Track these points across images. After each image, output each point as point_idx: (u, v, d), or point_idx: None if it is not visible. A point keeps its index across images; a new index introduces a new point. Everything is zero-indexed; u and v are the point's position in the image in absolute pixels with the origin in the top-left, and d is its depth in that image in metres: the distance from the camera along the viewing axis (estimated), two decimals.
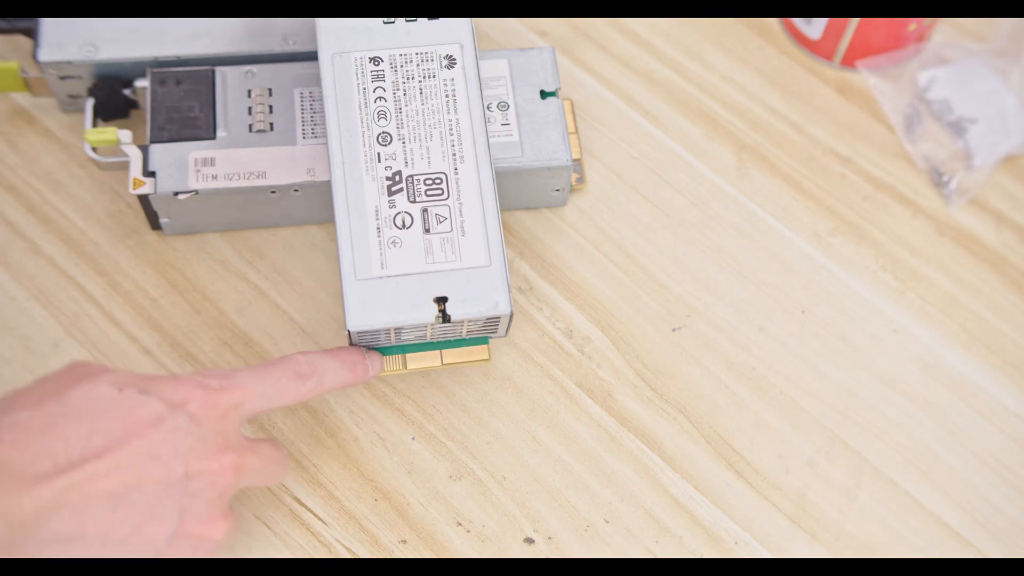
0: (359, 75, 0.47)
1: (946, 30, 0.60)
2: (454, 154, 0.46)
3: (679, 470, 0.48)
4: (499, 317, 0.45)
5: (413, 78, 0.47)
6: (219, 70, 0.50)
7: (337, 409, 0.49)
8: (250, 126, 0.49)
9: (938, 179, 0.55)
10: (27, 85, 0.52)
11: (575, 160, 0.53)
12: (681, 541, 0.47)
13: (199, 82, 0.50)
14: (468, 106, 0.47)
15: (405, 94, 0.47)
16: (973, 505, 0.48)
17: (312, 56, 0.51)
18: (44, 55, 0.50)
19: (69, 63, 0.50)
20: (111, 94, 0.52)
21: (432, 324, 0.44)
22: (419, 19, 0.48)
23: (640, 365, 0.50)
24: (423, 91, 0.47)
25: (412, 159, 0.46)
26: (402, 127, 0.46)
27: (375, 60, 0.47)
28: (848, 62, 0.58)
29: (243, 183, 0.48)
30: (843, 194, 0.55)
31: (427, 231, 0.45)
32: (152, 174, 0.48)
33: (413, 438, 0.48)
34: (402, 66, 0.47)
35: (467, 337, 0.47)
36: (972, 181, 0.55)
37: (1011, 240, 0.54)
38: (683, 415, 0.49)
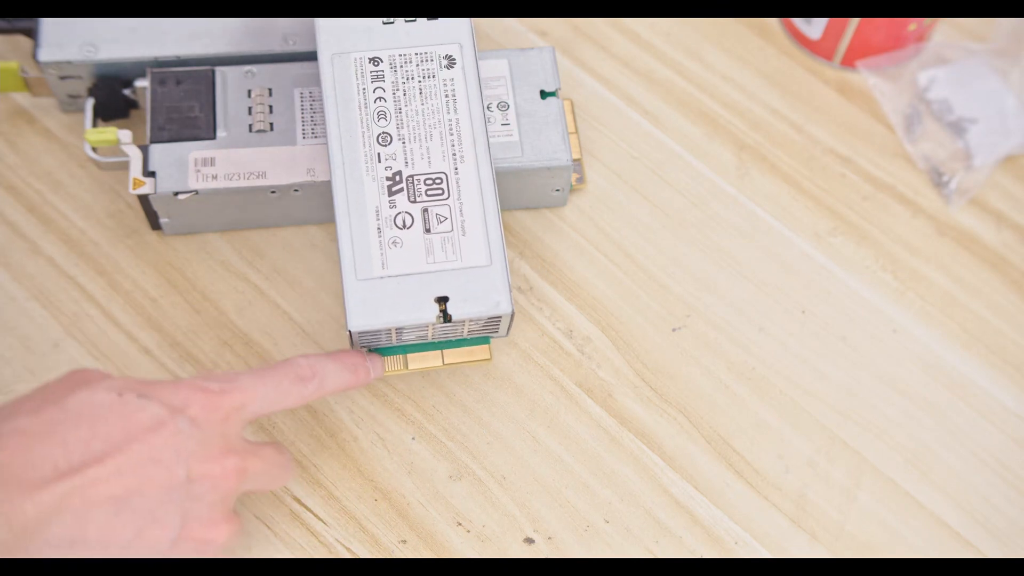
0: (359, 75, 0.47)
1: (946, 30, 0.60)
2: (454, 154, 0.46)
3: (679, 470, 0.48)
4: (500, 316, 0.45)
5: (413, 78, 0.47)
6: (219, 70, 0.50)
7: (337, 409, 0.49)
8: (250, 126, 0.49)
9: (938, 179, 0.55)
10: (27, 85, 0.52)
11: (575, 160, 0.53)
12: (681, 541, 0.47)
13: (199, 82, 0.50)
14: (468, 106, 0.47)
15: (405, 94, 0.47)
16: (973, 505, 0.48)
17: (312, 56, 0.51)
18: (44, 55, 0.50)
19: (69, 63, 0.50)
20: (111, 94, 0.52)
21: (433, 324, 0.44)
22: (418, 19, 0.48)
23: (640, 365, 0.50)
24: (423, 91, 0.47)
25: (412, 159, 0.46)
26: (402, 127, 0.46)
27: (375, 60, 0.47)
28: (848, 62, 0.58)
29: (243, 183, 0.48)
30: (843, 194, 0.55)
31: (428, 231, 0.45)
32: (152, 174, 0.48)
33: (413, 438, 0.48)
34: (402, 66, 0.47)
35: (468, 337, 0.47)
36: (972, 181, 0.55)
37: (1011, 240, 0.54)
38: (683, 415, 0.49)
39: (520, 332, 0.51)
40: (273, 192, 0.49)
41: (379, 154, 0.46)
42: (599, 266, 0.52)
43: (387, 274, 0.44)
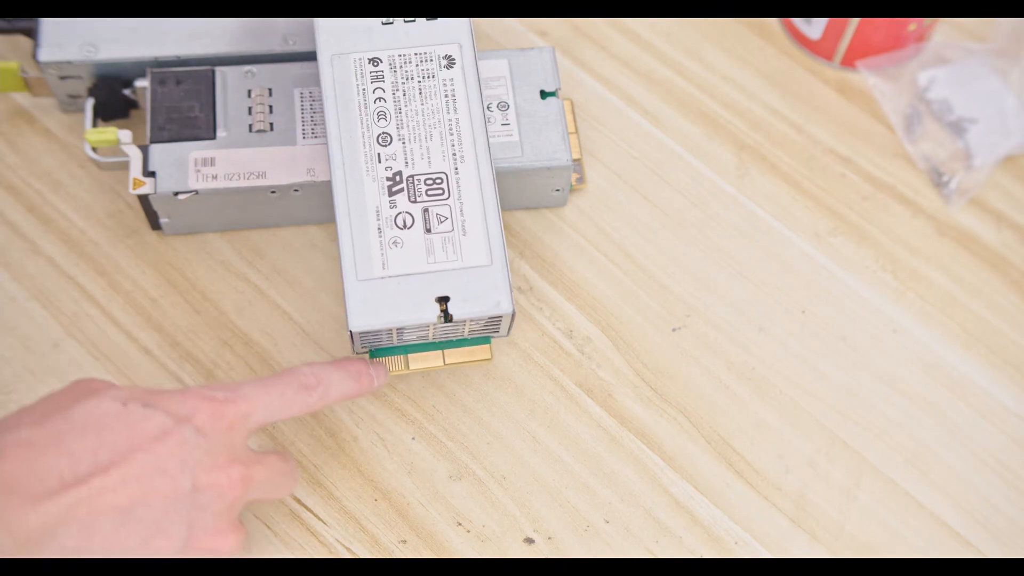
0: (358, 76, 0.47)
1: (946, 30, 0.60)
2: (454, 154, 0.46)
3: (679, 470, 0.48)
4: (501, 316, 0.45)
5: (412, 78, 0.47)
6: (219, 70, 0.50)
7: (337, 409, 0.49)
8: (250, 126, 0.49)
9: (938, 179, 0.55)
10: (27, 85, 0.52)
11: (575, 160, 0.53)
12: (681, 541, 0.47)
13: (199, 82, 0.50)
14: (468, 106, 0.47)
15: (405, 94, 0.47)
16: (973, 505, 0.48)
17: (312, 56, 0.51)
18: (44, 55, 0.50)
19: (69, 63, 0.50)
20: (111, 94, 0.52)
21: (434, 324, 0.44)
22: (418, 19, 0.48)
23: (640, 365, 0.50)
24: (423, 91, 0.47)
25: (412, 159, 0.46)
26: (402, 127, 0.46)
27: (374, 61, 0.47)
28: (848, 62, 0.58)
29: (243, 183, 0.48)
30: (843, 194, 0.55)
31: (428, 231, 0.45)
32: (152, 174, 0.48)
33: (413, 438, 0.48)
34: (401, 66, 0.47)
35: (469, 337, 0.47)
36: (972, 181, 0.55)
37: (1011, 240, 0.54)
38: (683, 415, 0.49)
39: (520, 332, 0.51)
40: (273, 192, 0.49)
41: (379, 154, 0.46)
42: (599, 266, 0.52)
43: (388, 274, 0.44)
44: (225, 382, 0.42)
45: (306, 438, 0.48)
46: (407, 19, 0.48)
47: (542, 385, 0.50)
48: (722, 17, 0.59)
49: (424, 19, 0.48)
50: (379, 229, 0.45)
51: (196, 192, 0.48)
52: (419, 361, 0.47)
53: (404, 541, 0.46)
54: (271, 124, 0.49)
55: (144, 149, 0.48)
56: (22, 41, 0.55)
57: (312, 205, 0.50)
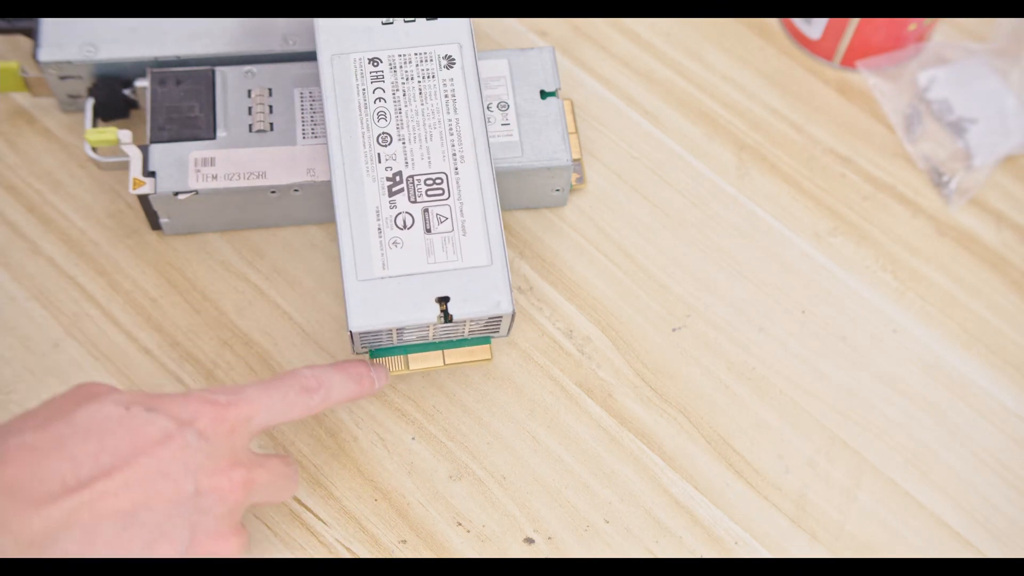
0: (358, 76, 0.47)
1: (946, 30, 0.60)
2: (454, 154, 0.46)
3: (679, 470, 0.48)
4: (501, 316, 0.45)
5: (412, 78, 0.47)
6: (219, 70, 0.50)
7: (337, 409, 0.49)
8: (250, 126, 0.49)
9: (938, 179, 0.55)
10: (27, 85, 0.52)
11: (575, 160, 0.53)
12: (681, 541, 0.47)
13: (199, 82, 0.50)
14: (468, 106, 0.47)
15: (404, 94, 0.47)
16: (973, 505, 0.48)
17: (312, 56, 0.51)
18: (44, 55, 0.50)
19: (69, 63, 0.50)
20: (111, 94, 0.52)
21: (434, 324, 0.44)
22: (418, 19, 0.48)
23: (640, 365, 0.50)
24: (422, 91, 0.47)
25: (412, 159, 0.46)
26: (402, 127, 0.46)
27: (374, 61, 0.47)
28: (848, 62, 0.58)
29: (243, 183, 0.48)
30: (843, 194, 0.55)
31: (428, 231, 0.45)
32: (152, 174, 0.48)
33: (413, 438, 0.48)
34: (401, 66, 0.47)
35: (469, 337, 0.47)
36: (972, 181, 0.55)
37: (1011, 240, 0.54)
38: (683, 415, 0.49)
39: (520, 332, 0.51)
40: (273, 192, 0.49)
41: (379, 154, 0.46)
42: (599, 266, 0.52)
43: (388, 274, 0.44)
44: (227, 385, 0.42)
45: (306, 438, 0.48)
46: (407, 19, 0.48)
47: (542, 385, 0.50)
48: (722, 17, 0.59)
49: (424, 19, 0.48)
50: (379, 229, 0.45)
51: (196, 192, 0.48)
52: (419, 361, 0.47)
53: (404, 541, 0.46)
54: (271, 124, 0.49)
55: (144, 149, 0.48)
56: (22, 41, 0.55)
57: (312, 205, 0.50)
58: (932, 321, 0.52)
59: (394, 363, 0.47)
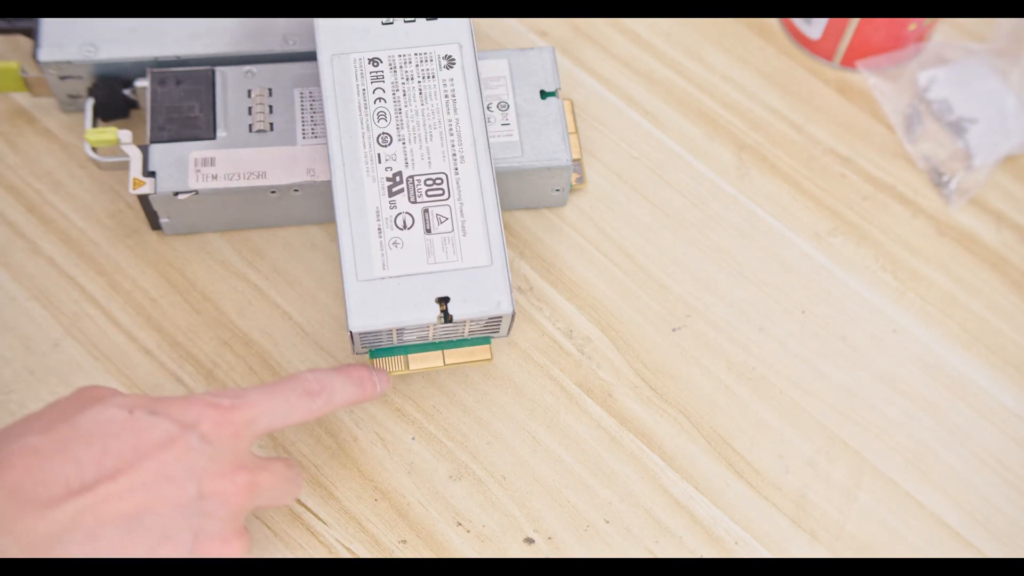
0: (358, 76, 0.47)
1: (946, 30, 0.60)
2: (454, 154, 0.46)
3: (679, 470, 0.48)
4: (501, 317, 0.45)
5: (412, 79, 0.47)
6: (219, 70, 0.50)
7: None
8: (250, 126, 0.49)
9: (938, 179, 0.55)
10: (27, 85, 0.52)
11: (575, 160, 0.53)
12: (681, 541, 0.47)
13: (199, 82, 0.50)
14: (468, 106, 0.47)
15: (404, 95, 0.47)
16: (973, 505, 0.48)
17: (312, 56, 0.51)
18: (44, 55, 0.50)
19: (69, 63, 0.50)
20: (111, 94, 0.52)
21: (434, 324, 0.44)
22: (417, 19, 0.48)
23: (640, 365, 0.50)
24: (422, 91, 0.47)
25: (412, 159, 0.46)
26: (402, 128, 0.46)
27: (374, 61, 0.47)
28: (848, 62, 0.58)
29: (243, 183, 0.48)
30: (843, 194, 0.55)
31: (428, 231, 0.45)
32: (152, 174, 0.48)
33: (413, 438, 0.48)
34: (401, 67, 0.47)
35: (469, 337, 0.47)
36: (972, 181, 0.55)
37: (1011, 240, 0.54)
38: (683, 415, 0.49)
39: (520, 332, 0.51)
40: (273, 192, 0.49)
41: (379, 155, 0.46)
42: (599, 266, 0.52)
43: (388, 275, 0.44)
44: (230, 389, 0.42)
45: (306, 438, 0.48)
46: (407, 19, 0.48)
47: (542, 385, 0.50)
48: (722, 17, 0.59)
49: (424, 19, 0.48)
50: (379, 229, 0.45)
51: (196, 192, 0.48)
52: (419, 361, 0.47)
53: (404, 541, 0.46)
54: (271, 124, 0.49)
55: (144, 149, 0.48)
56: (22, 41, 0.55)
57: (312, 205, 0.50)
58: (932, 321, 0.52)
59: (394, 363, 0.47)
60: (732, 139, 0.56)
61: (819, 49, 0.58)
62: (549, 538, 0.47)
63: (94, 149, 0.50)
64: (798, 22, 0.58)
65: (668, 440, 0.49)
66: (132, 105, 0.52)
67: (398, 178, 0.45)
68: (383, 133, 0.46)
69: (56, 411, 0.38)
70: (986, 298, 0.53)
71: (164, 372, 0.49)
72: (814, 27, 0.57)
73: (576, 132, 0.54)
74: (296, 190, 0.49)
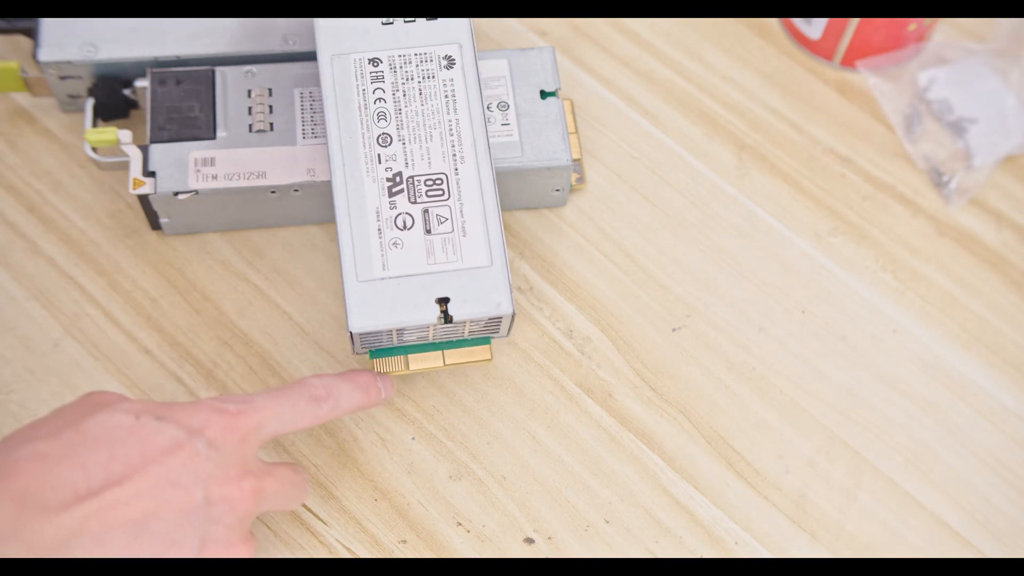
0: (358, 76, 0.47)
1: (946, 30, 0.60)
2: (454, 154, 0.46)
3: (679, 470, 0.48)
4: (501, 317, 0.45)
5: (412, 79, 0.47)
6: (219, 70, 0.50)
7: None
8: (250, 126, 0.49)
9: (938, 179, 0.55)
10: (27, 85, 0.52)
11: (575, 160, 0.53)
12: (681, 541, 0.47)
13: (199, 82, 0.50)
14: (468, 106, 0.47)
15: (405, 95, 0.47)
16: (973, 505, 0.48)
17: (312, 56, 0.51)
18: (44, 55, 0.50)
19: (69, 63, 0.50)
20: (111, 94, 0.52)
21: (434, 325, 0.44)
22: (417, 20, 0.48)
23: (640, 365, 0.50)
24: (422, 92, 0.47)
25: (412, 160, 0.46)
26: (402, 128, 0.46)
27: (374, 61, 0.47)
28: (848, 62, 0.58)
29: (243, 183, 0.48)
30: (843, 194, 0.55)
31: (428, 232, 0.45)
32: (152, 174, 0.48)
33: (413, 438, 0.48)
34: (401, 67, 0.47)
35: (469, 337, 0.47)
36: (972, 181, 0.55)
37: (1011, 240, 0.54)
38: (683, 415, 0.49)
39: (520, 332, 0.51)
40: (273, 192, 0.49)
41: (379, 155, 0.46)
42: (599, 266, 0.52)
43: (388, 275, 0.44)
44: (236, 394, 0.42)
45: (306, 439, 0.48)
46: (407, 19, 0.48)
47: (542, 385, 0.50)
48: (722, 17, 0.59)
49: (424, 19, 0.48)
50: (379, 230, 0.45)
51: (196, 192, 0.48)
52: (419, 362, 0.47)
53: (404, 541, 0.46)
54: (271, 124, 0.49)
55: (144, 149, 0.48)
56: (22, 41, 0.55)
57: (312, 205, 0.50)
58: (932, 321, 0.52)
59: (394, 363, 0.47)
60: (732, 139, 0.56)
61: (819, 49, 0.58)
62: (549, 538, 0.47)
63: (94, 149, 0.50)
64: (798, 22, 0.58)
65: (668, 440, 0.49)
66: (132, 105, 0.52)
67: (398, 178, 0.45)
68: (383, 133, 0.46)
69: (63, 417, 0.38)
70: (986, 298, 0.53)
71: (164, 372, 0.49)
72: (814, 27, 0.57)
73: (576, 132, 0.54)
74: (296, 190, 0.49)
